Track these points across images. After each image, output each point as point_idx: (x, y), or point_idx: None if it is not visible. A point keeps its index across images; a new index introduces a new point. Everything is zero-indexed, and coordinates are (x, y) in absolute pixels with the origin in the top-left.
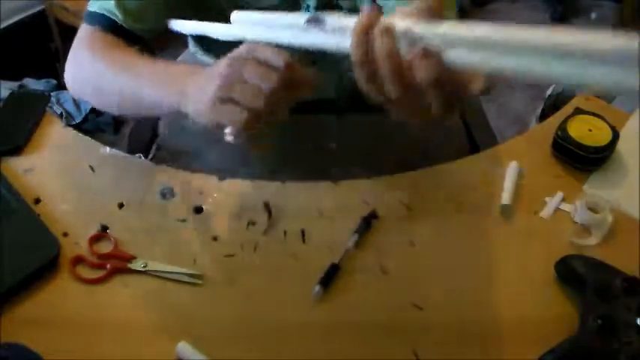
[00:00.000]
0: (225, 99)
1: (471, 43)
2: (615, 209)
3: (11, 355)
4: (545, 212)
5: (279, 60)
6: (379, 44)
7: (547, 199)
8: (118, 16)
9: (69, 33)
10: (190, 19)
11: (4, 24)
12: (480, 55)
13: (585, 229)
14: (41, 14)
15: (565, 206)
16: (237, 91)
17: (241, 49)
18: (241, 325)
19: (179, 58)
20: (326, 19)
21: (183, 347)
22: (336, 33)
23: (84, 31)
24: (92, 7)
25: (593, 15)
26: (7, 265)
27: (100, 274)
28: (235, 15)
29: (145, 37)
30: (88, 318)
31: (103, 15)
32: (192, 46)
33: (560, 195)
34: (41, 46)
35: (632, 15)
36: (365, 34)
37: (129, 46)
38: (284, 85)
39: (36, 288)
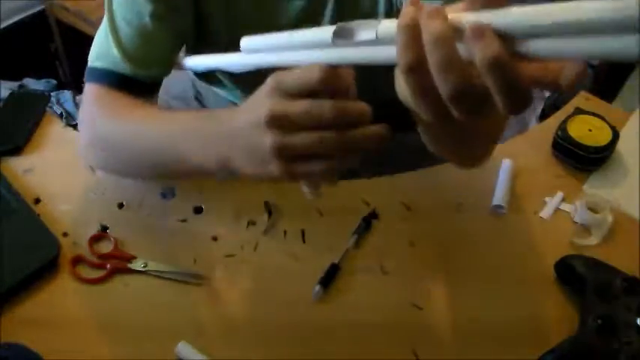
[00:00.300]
0: (291, 159)
1: (550, 29)
2: (615, 209)
3: (11, 355)
4: (545, 212)
5: (315, 80)
6: (435, 38)
7: (547, 199)
8: (126, 68)
9: (69, 33)
10: (193, 54)
11: (4, 24)
12: (564, 41)
13: (585, 229)
14: (41, 14)
15: (565, 206)
16: (298, 145)
17: (267, 89)
18: (241, 325)
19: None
20: (356, 29)
21: (183, 347)
22: (371, 43)
23: (91, 91)
24: (94, 62)
25: None
26: (7, 265)
27: (100, 274)
28: (246, 41)
29: (154, 83)
30: (88, 318)
31: (108, 70)
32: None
33: (560, 195)
34: (41, 46)
35: None
36: (415, 31)
37: (143, 100)
38: (339, 110)
39: (36, 288)
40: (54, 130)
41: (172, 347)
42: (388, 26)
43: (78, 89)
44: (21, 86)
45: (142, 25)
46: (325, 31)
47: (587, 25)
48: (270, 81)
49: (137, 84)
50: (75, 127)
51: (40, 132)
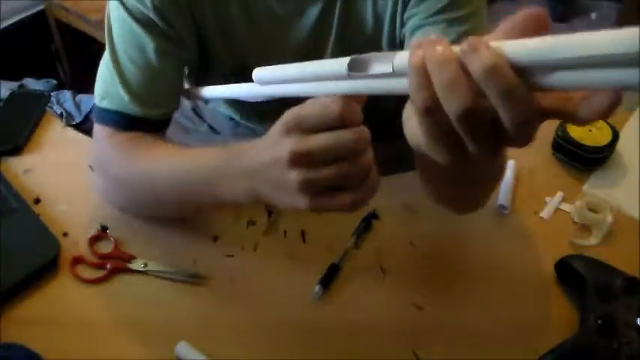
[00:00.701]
0: (319, 193)
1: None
2: (615, 209)
3: (11, 355)
4: (545, 212)
5: (335, 116)
6: (438, 62)
7: (547, 199)
8: (135, 110)
9: (69, 33)
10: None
11: (4, 24)
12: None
13: (585, 229)
14: (41, 14)
15: (565, 206)
16: (326, 178)
17: (285, 127)
18: (241, 325)
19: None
20: (371, 62)
21: (183, 347)
22: (387, 75)
23: (102, 133)
24: (102, 103)
25: (593, 15)
26: (7, 265)
27: (100, 274)
28: (258, 72)
29: (163, 119)
30: (88, 318)
31: (117, 112)
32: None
33: (560, 195)
34: (41, 46)
35: (632, 15)
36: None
37: (156, 136)
38: (357, 141)
39: (36, 288)
40: (54, 130)
41: (172, 347)
42: (404, 59)
43: (78, 89)
44: (21, 86)
45: (147, 62)
46: (339, 63)
47: (596, 59)
48: (287, 119)
49: (148, 123)
50: (75, 126)
51: (40, 132)
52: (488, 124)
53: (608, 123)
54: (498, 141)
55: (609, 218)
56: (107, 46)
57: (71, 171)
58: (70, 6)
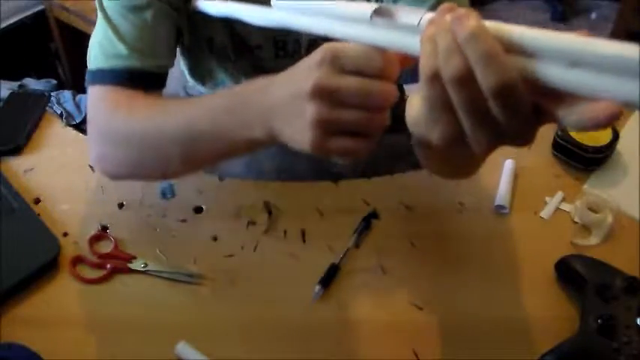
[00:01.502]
0: (330, 133)
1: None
2: (615, 209)
3: (11, 355)
4: (545, 212)
5: (377, 67)
6: (469, 34)
7: (547, 199)
8: (133, 61)
9: (69, 33)
10: (190, 49)
11: (4, 24)
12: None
13: (585, 229)
14: (41, 14)
15: (565, 206)
16: (343, 121)
17: (323, 55)
18: (241, 325)
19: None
20: (396, 12)
21: (183, 347)
22: (408, 31)
23: (97, 93)
24: (97, 64)
25: (594, 15)
26: (7, 265)
27: (100, 274)
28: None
29: (161, 73)
30: (88, 318)
31: (113, 69)
32: (190, 79)
33: (560, 195)
34: (41, 46)
35: (631, 15)
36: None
37: (156, 94)
38: (387, 93)
39: (36, 288)
40: (54, 130)
41: (172, 347)
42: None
43: (78, 89)
44: (21, 86)
45: (141, 19)
46: (363, 7)
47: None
48: (324, 52)
49: (145, 77)
50: (75, 126)
51: (40, 132)
52: (480, 100)
53: None
54: (493, 132)
55: (609, 218)
56: (99, 11)
57: (71, 171)
58: (70, 6)
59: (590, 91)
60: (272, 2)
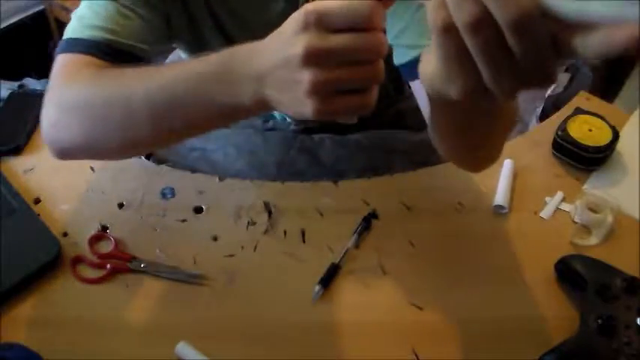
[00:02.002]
0: (330, 95)
1: None
2: (615, 209)
3: (11, 355)
4: (545, 212)
5: (365, 16)
6: None
7: (547, 199)
8: (113, 35)
9: None
10: (187, 37)
11: (4, 24)
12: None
13: (585, 229)
14: (41, 14)
15: (565, 206)
16: (340, 81)
17: (306, 18)
18: (241, 325)
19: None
20: None
21: (183, 347)
22: None
23: (63, 60)
24: (75, 33)
25: None
26: (7, 264)
27: (100, 274)
28: None
29: (141, 56)
30: (88, 318)
31: (89, 39)
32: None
33: (560, 195)
34: (41, 46)
35: None
36: None
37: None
38: (379, 44)
39: (36, 288)
40: None
41: (172, 347)
42: None
43: None
44: (21, 86)
45: (129, 4)
46: None
47: None
48: (306, 13)
49: (123, 54)
50: None
51: (40, 132)
52: (498, 44)
53: (608, 123)
54: (514, 72)
55: (609, 218)
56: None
57: (71, 171)
58: (70, 6)
59: (607, 19)
60: None
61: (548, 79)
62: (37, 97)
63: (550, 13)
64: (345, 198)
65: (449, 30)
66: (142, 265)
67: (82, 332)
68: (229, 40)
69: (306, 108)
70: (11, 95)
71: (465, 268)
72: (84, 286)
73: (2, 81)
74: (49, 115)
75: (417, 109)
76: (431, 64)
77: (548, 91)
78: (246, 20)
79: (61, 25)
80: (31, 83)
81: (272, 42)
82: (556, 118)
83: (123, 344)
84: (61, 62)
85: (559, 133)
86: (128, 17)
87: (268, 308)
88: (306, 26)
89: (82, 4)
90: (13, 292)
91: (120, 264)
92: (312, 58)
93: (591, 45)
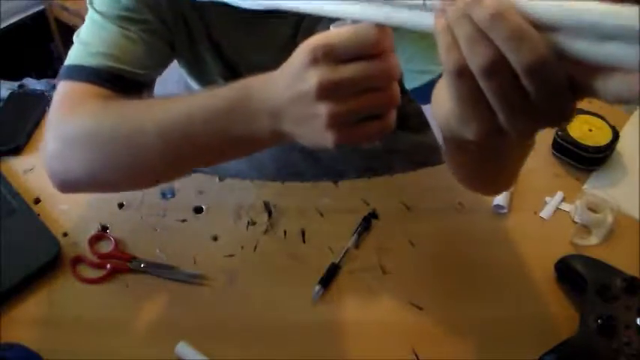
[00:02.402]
0: (348, 125)
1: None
2: (615, 209)
3: (11, 355)
4: (545, 212)
5: (372, 43)
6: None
7: (547, 199)
8: (115, 62)
9: (69, 33)
10: (187, 56)
11: (4, 24)
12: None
13: (585, 229)
14: (41, 14)
15: (565, 206)
16: (357, 110)
17: (314, 53)
18: (241, 325)
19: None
20: None
21: (183, 347)
22: (414, 7)
23: (65, 88)
24: (78, 59)
25: None
26: (7, 265)
27: (100, 274)
28: None
29: (143, 81)
30: (88, 318)
31: (91, 67)
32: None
33: (560, 195)
34: (41, 46)
35: None
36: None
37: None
38: (391, 70)
39: (36, 288)
40: None
41: (172, 347)
42: None
43: None
44: (21, 86)
45: (131, 30)
46: None
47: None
48: (313, 48)
49: (125, 81)
50: None
51: (40, 132)
52: (514, 87)
53: (608, 123)
54: (530, 114)
55: (609, 218)
56: (89, 10)
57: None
58: (70, 6)
59: (624, 63)
60: None
61: (566, 119)
62: (37, 97)
63: (567, 55)
64: (345, 198)
65: (462, 73)
66: (142, 265)
67: (82, 332)
68: (228, 63)
69: (326, 140)
70: (11, 95)
71: (465, 268)
72: (84, 286)
73: (2, 81)
74: (51, 146)
75: (419, 111)
76: (444, 105)
77: None
78: (245, 46)
79: (61, 25)
80: (31, 83)
81: (282, 77)
82: None
83: (123, 344)
84: (63, 91)
85: (559, 132)
86: (133, 42)
87: (268, 308)
88: (314, 60)
89: (87, 27)
90: (13, 292)
91: (120, 264)
92: (326, 92)
93: (611, 89)
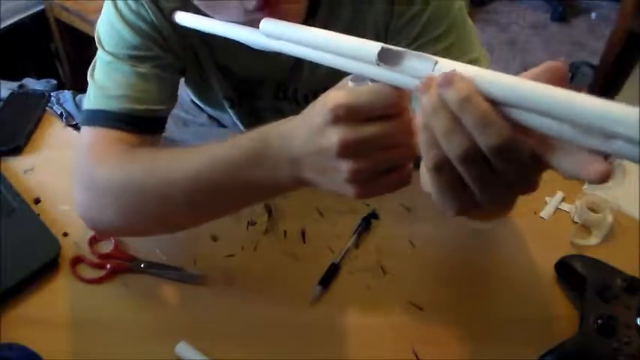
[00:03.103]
0: (370, 179)
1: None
2: (615, 209)
3: (11, 355)
4: (545, 212)
5: (388, 102)
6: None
7: (547, 199)
8: (132, 104)
9: (69, 33)
10: (194, 78)
11: (4, 24)
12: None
13: (585, 229)
14: (41, 14)
15: (565, 206)
16: (378, 166)
17: (335, 112)
18: (241, 325)
19: None
20: (406, 57)
21: (183, 347)
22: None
23: (89, 135)
24: (97, 104)
25: (593, 15)
26: (7, 265)
27: (100, 274)
28: (267, 24)
29: (160, 117)
30: (88, 318)
31: (117, 113)
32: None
33: (560, 195)
34: (41, 46)
35: (632, 15)
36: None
37: (155, 139)
38: (409, 128)
39: (36, 288)
40: (54, 130)
41: (172, 347)
42: (448, 65)
43: (78, 89)
44: (21, 86)
45: (144, 68)
46: (367, 48)
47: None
48: (335, 107)
49: (143, 121)
50: (75, 127)
51: (40, 132)
52: (487, 167)
53: None
54: (503, 188)
55: (609, 218)
56: (100, 51)
57: (71, 171)
58: (70, 6)
59: (579, 143)
60: (260, 26)
61: (533, 186)
62: (37, 97)
63: (532, 130)
64: (345, 198)
65: (441, 167)
66: (142, 265)
67: (82, 332)
68: (233, 85)
69: (348, 192)
70: (11, 95)
71: (465, 268)
72: (84, 286)
73: (2, 81)
74: (80, 196)
75: None
76: (427, 185)
77: None
78: (251, 68)
79: (61, 25)
80: (31, 83)
81: (302, 130)
82: None
83: (123, 344)
84: (87, 137)
85: None
86: (147, 79)
87: (268, 308)
88: (336, 119)
89: (100, 68)
90: (13, 292)
91: (120, 264)
92: (348, 151)
93: (564, 167)
